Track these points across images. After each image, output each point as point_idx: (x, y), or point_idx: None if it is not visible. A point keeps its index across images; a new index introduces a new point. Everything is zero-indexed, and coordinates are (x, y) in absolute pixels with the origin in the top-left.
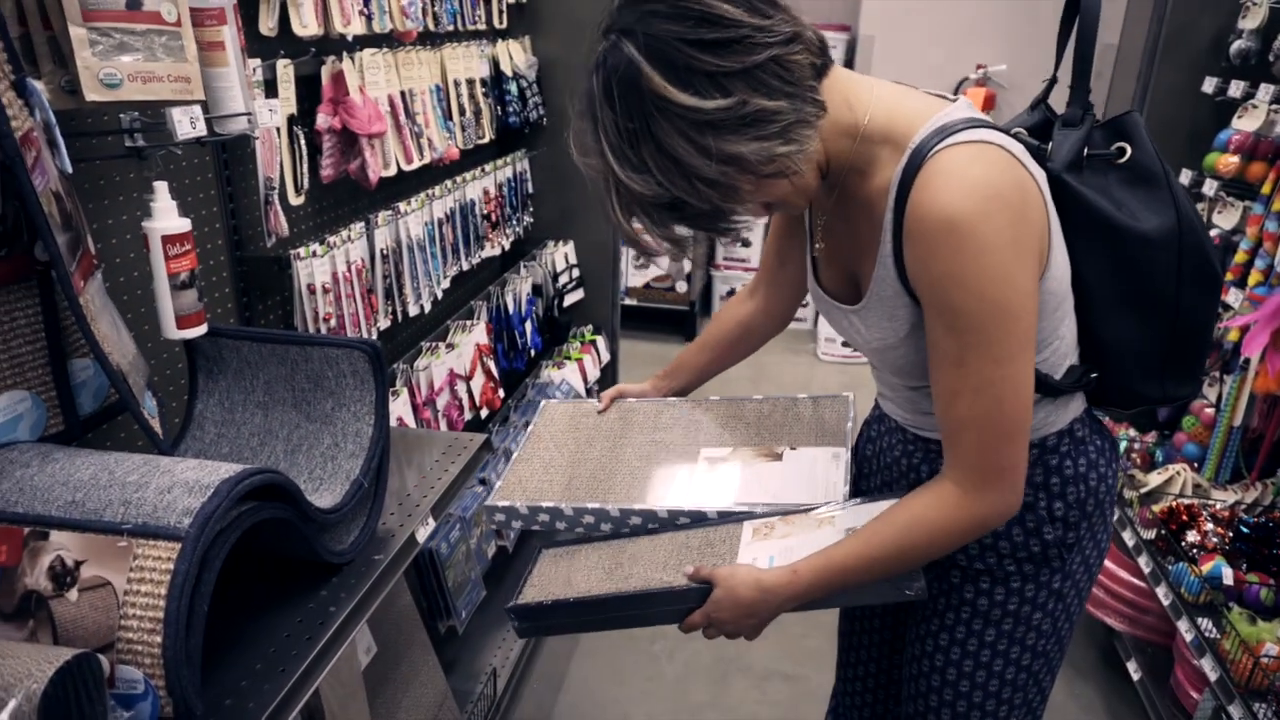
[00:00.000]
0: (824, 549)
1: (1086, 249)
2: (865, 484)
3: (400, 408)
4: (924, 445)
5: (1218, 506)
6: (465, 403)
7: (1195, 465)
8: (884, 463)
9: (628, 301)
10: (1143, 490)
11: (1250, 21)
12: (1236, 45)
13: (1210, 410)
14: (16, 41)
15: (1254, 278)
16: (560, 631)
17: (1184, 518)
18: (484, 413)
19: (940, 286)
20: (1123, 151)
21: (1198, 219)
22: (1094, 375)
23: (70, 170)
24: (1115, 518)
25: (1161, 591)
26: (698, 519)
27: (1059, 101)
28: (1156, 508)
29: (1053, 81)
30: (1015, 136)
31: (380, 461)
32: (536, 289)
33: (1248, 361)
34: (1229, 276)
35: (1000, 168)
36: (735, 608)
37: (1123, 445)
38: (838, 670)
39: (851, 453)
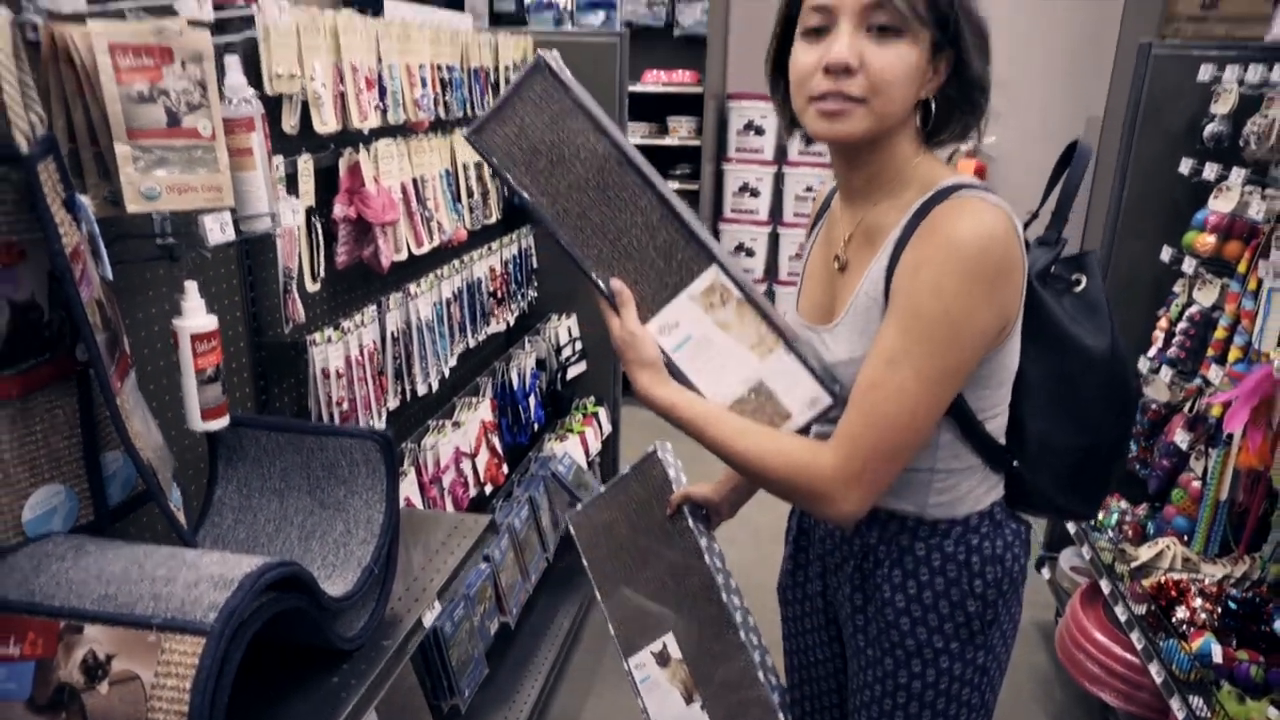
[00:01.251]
0: (709, 403)
1: (1036, 350)
2: (808, 566)
3: (408, 487)
4: (871, 515)
5: (1206, 581)
6: (470, 479)
7: (1185, 538)
8: (829, 545)
9: None
10: (1134, 564)
11: (1221, 107)
12: (1209, 129)
13: (1197, 484)
14: (66, 158)
15: (1233, 354)
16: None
17: (1173, 593)
18: (488, 488)
19: (918, 290)
20: (1079, 281)
21: (1127, 352)
22: (1014, 463)
23: (111, 277)
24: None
25: (1154, 669)
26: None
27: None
28: (1147, 582)
29: (1034, 216)
30: None
31: (390, 548)
32: (540, 363)
33: (1230, 437)
34: (1210, 352)
35: (1005, 230)
36: (624, 352)
37: (1114, 518)
38: None
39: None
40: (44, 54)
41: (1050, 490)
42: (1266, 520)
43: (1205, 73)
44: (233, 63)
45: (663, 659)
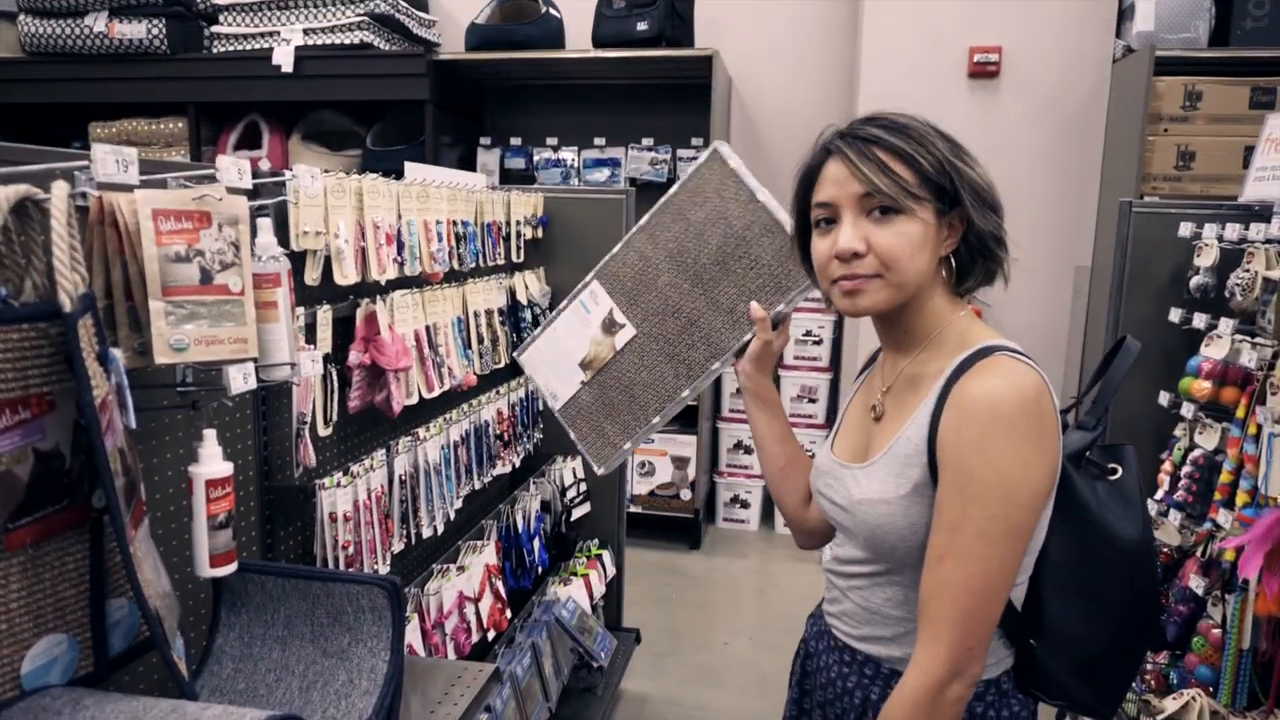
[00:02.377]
0: None
1: (1063, 529)
2: (811, 712)
3: (410, 633)
4: (873, 666)
5: None
6: (473, 624)
7: (1210, 690)
8: (831, 694)
9: (633, 509)
10: (1159, 717)
11: (1205, 260)
12: (1195, 280)
13: (1217, 631)
14: (101, 312)
15: (1241, 498)
16: None
17: None
18: (491, 634)
19: (964, 451)
20: (1115, 470)
21: (1154, 552)
22: (1030, 640)
23: (135, 426)
24: None
25: None
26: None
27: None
28: None
29: (1077, 402)
30: None
31: (393, 699)
32: (545, 505)
33: (1246, 582)
34: (1217, 496)
35: (1038, 389)
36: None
37: None
38: None
39: None
40: (91, 218)
41: (1065, 677)
42: None
43: (1185, 229)
44: (265, 225)
45: (609, 326)
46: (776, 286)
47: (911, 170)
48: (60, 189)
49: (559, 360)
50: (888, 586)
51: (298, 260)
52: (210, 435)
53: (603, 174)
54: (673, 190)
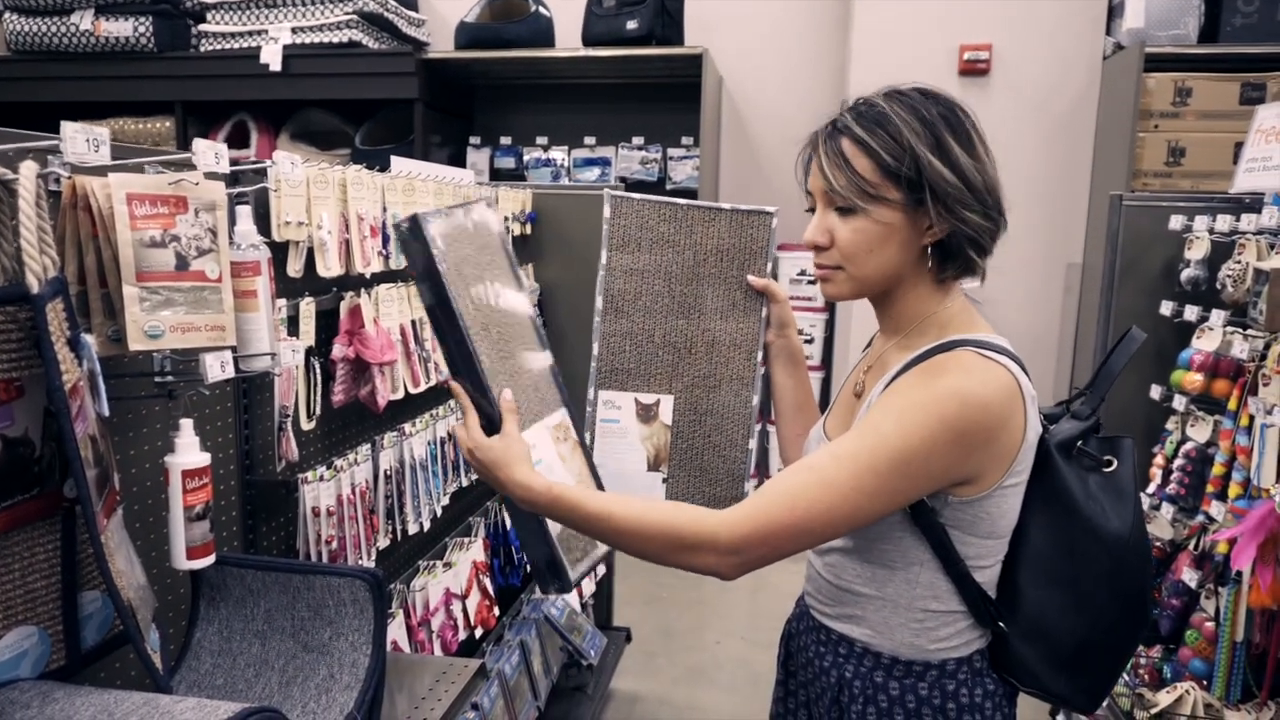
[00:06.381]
0: (586, 492)
1: (1043, 517)
2: (796, 693)
3: (395, 630)
4: (847, 645)
5: None
6: (460, 622)
7: (1204, 683)
8: (810, 674)
9: None
10: (1153, 710)
11: (1195, 253)
12: (1186, 273)
13: (1210, 624)
14: (74, 299)
15: (1233, 490)
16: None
17: None
18: (478, 632)
19: (887, 408)
20: (1110, 463)
21: (1146, 548)
22: (1001, 624)
23: (107, 414)
24: None
25: None
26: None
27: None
28: None
29: (1081, 393)
30: None
31: (375, 694)
32: None
33: (1240, 574)
34: (1209, 488)
35: (995, 394)
36: (492, 466)
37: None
38: None
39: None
40: (64, 202)
41: (1039, 666)
42: None
43: (1176, 222)
44: (244, 212)
45: (646, 415)
46: (750, 255)
47: (874, 164)
48: (28, 168)
49: (631, 483)
50: (857, 563)
51: (280, 251)
52: (187, 425)
53: (593, 173)
54: (604, 258)
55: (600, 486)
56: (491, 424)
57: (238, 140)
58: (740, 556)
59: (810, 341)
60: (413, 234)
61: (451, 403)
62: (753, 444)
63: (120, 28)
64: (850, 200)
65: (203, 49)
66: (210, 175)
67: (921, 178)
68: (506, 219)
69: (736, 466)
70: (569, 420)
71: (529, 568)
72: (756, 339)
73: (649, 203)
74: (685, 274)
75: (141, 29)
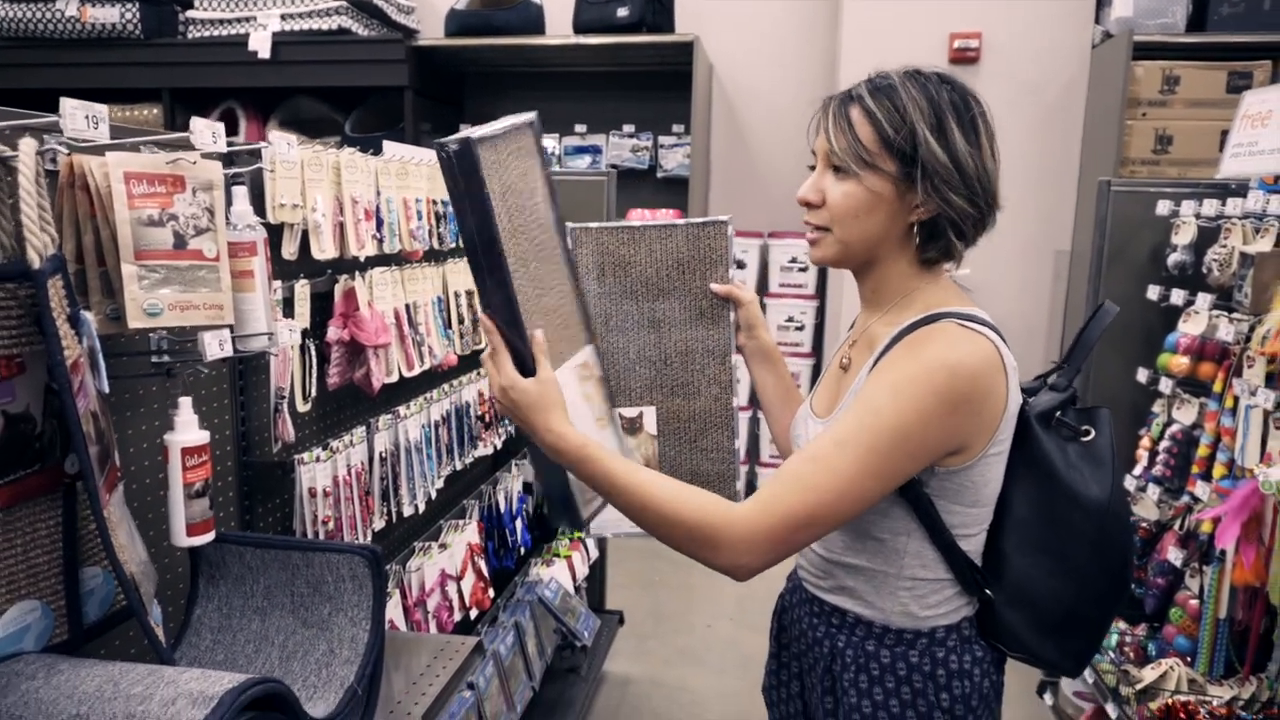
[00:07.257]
0: (618, 460)
1: (1025, 484)
2: (789, 664)
3: (392, 610)
4: (839, 616)
5: (1215, 703)
6: (455, 603)
7: (1188, 659)
8: (804, 645)
9: None
10: (1138, 686)
11: (1182, 238)
12: (1172, 258)
13: (1195, 602)
14: (73, 277)
15: (1218, 470)
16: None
17: (1182, 715)
18: (473, 613)
19: (879, 385)
20: (1088, 433)
21: (1126, 514)
22: (987, 590)
23: (107, 390)
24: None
25: None
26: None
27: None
28: (1153, 705)
29: (1058, 366)
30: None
31: (374, 668)
32: (527, 486)
33: (1223, 553)
34: (1195, 469)
35: (980, 362)
36: (527, 409)
37: (1114, 639)
38: None
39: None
40: (61, 181)
41: (1026, 632)
42: (1268, 638)
43: (1163, 207)
44: (240, 193)
45: (631, 427)
46: (710, 264)
47: (875, 133)
48: (28, 145)
49: None
50: (846, 535)
51: (274, 234)
52: (185, 403)
53: (584, 161)
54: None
55: (617, 420)
56: (522, 362)
57: (226, 128)
58: (754, 554)
59: (801, 329)
60: (461, 161)
61: (446, 385)
62: (739, 444)
63: (107, 14)
64: (846, 163)
65: (191, 36)
66: (207, 155)
67: (916, 154)
68: None
69: (725, 468)
70: (593, 357)
71: (544, 500)
72: (728, 343)
73: (606, 229)
74: (650, 291)
75: (128, 15)
